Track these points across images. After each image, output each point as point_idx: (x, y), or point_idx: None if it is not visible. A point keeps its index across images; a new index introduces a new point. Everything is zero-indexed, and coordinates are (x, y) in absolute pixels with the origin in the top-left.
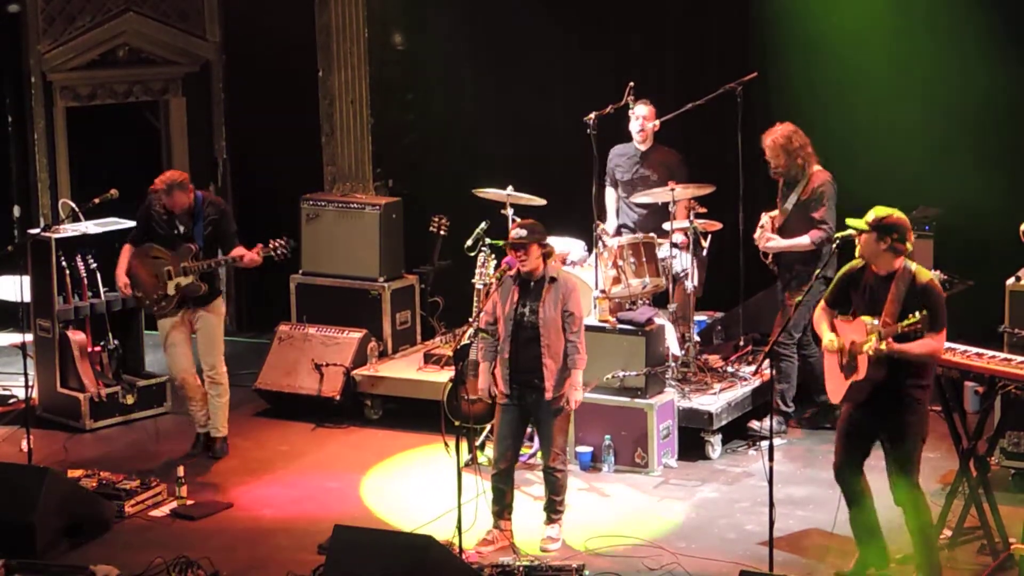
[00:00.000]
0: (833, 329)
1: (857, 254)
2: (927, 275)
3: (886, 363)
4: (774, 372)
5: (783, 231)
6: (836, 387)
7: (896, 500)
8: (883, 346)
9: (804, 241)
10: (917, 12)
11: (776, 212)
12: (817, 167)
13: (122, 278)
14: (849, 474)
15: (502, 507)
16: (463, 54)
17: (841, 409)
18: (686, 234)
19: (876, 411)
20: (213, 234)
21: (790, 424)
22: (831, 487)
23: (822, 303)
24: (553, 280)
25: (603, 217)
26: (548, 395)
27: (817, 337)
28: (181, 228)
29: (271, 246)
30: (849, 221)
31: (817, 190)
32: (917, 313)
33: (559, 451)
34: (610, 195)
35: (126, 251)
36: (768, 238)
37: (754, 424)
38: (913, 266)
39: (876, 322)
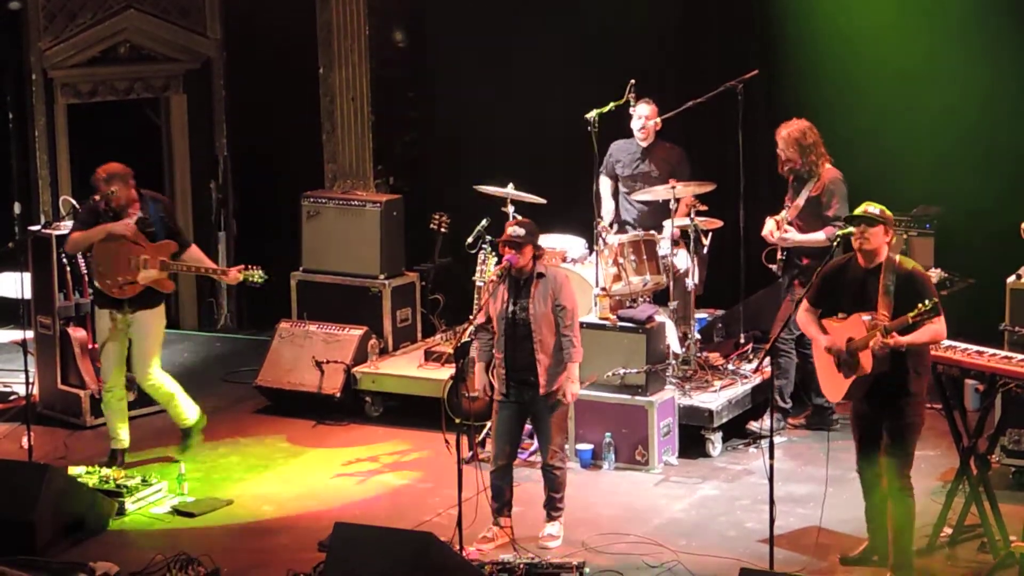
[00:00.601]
0: (824, 331)
1: (859, 248)
2: (910, 263)
3: (889, 356)
4: (773, 368)
5: (793, 226)
6: (833, 386)
7: (886, 489)
8: (890, 341)
9: (820, 237)
10: (918, 12)
11: (780, 215)
12: (828, 165)
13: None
14: (866, 464)
15: (501, 504)
16: (464, 51)
17: (852, 405)
18: (685, 232)
19: (878, 402)
20: (168, 229)
21: (788, 421)
22: (831, 485)
23: (805, 304)
24: (541, 276)
25: (598, 207)
26: (543, 390)
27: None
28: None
29: (249, 271)
30: (856, 215)
31: (828, 187)
32: (928, 301)
33: (557, 448)
34: (604, 183)
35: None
36: (785, 230)
37: (753, 425)
38: (897, 256)
39: (872, 318)
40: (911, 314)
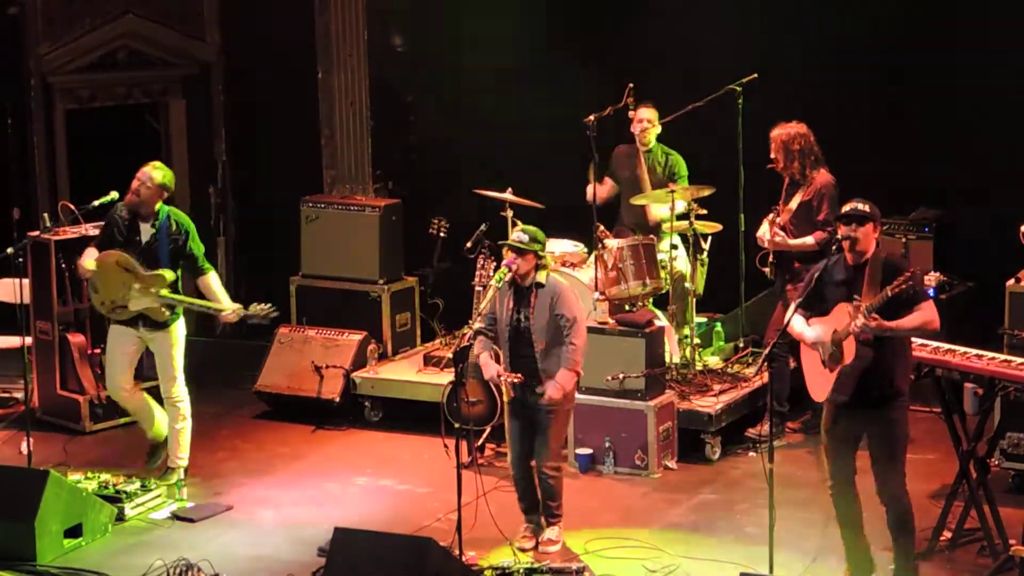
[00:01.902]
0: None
1: (849, 246)
2: (896, 256)
3: (873, 346)
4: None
5: (785, 230)
6: (819, 384)
7: (880, 496)
8: (872, 323)
9: (809, 242)
10: (916, 14)
11: (769, 217)
12: (823, 171)
13: (87, 267)
14: (844, 481)
15: (528, 504)
16: (463, 55)
17: (824, 413)
18: (684, 236)
19: (861, 406)
20: (176, 253)
21: (787, 426)
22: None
23: (794, 309)
24: (540, 285)
25: (598, 212)
26: (544, 399)
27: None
28: (141, 238)
29: (253, 311)
30: (847, 213)
31: (819, 192)
32: (907, 273)
33: (552, 456)
34: (610, 191)
35: (92, 249)
36: (776, 232)
37: (751, 432)
38: (884, 253)
39: (855, 304)
40: (889, 287)
